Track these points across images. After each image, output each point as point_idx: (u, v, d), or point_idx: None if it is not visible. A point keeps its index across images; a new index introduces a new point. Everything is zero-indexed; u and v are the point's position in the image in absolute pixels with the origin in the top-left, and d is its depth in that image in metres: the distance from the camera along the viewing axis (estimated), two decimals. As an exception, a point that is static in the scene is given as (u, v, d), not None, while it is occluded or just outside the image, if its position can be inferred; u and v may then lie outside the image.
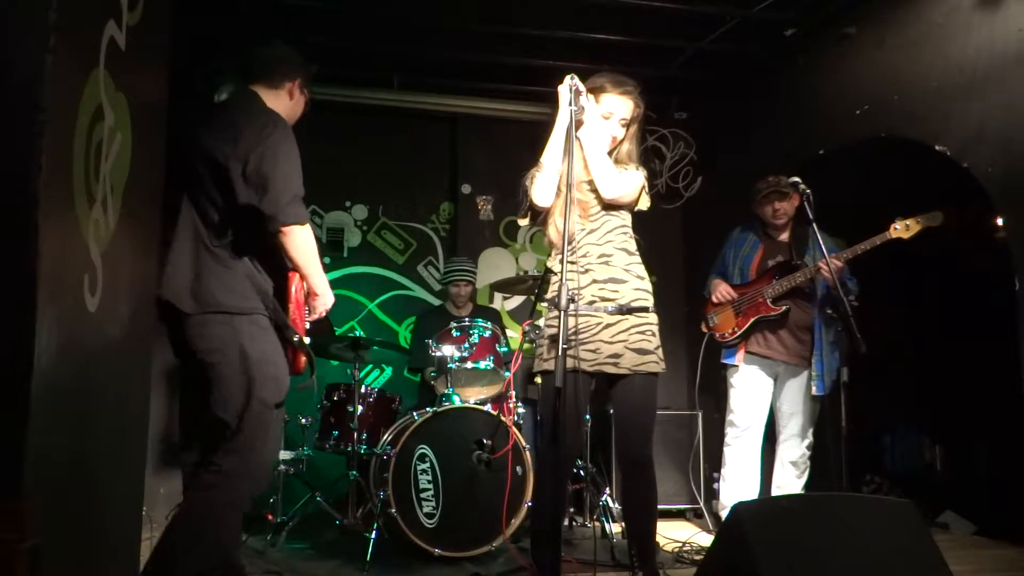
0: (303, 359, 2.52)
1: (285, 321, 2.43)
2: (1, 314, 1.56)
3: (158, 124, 2.53)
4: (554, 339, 2.67)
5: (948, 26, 3.51)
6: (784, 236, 4.00)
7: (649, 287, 2.80)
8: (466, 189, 5.51)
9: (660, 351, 2.77)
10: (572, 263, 2.76)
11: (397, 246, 5.45)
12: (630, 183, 2.77)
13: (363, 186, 5.40)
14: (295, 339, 2.46)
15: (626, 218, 2.82)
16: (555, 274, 2.75)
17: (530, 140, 5.48)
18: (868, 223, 3.69)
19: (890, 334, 4.36)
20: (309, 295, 2.55)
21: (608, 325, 2.70)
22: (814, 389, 3.77)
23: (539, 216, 2.85)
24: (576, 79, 2.61)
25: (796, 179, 3.34)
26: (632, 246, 2.81)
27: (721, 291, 3.98)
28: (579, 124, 2.65)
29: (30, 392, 1.55)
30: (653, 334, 2.74)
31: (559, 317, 2.40)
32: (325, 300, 2.58)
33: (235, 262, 2.36)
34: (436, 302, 5.35)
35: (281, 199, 2.31)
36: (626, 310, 2.71)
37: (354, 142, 5.37)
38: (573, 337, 2.70)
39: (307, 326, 2.61)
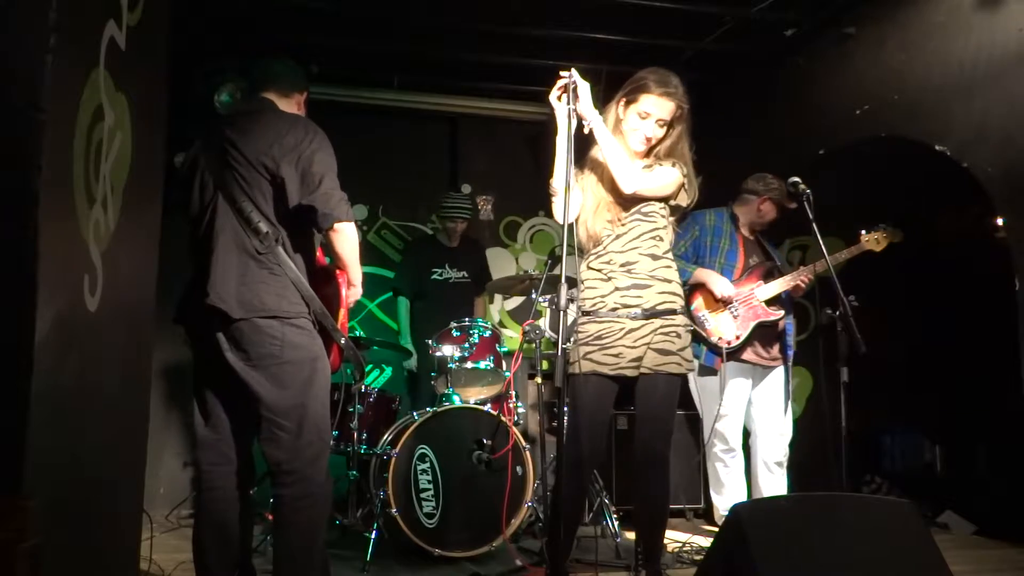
0: (339, 360, 2.61)
1: (333, 324, 2.49)
2: (1, 314, 1.56)
3: (158, 124, 2.53)
4: (581, 343, 2.70)
5: (948, 26, 3.51)
6: (750, 234, 4.01)
7: (677, 289, 2.78)
8: (466, 189, 5.51)
9: (687, 352, 2.75)
10: (595, 270, 2.77)
11: (397, 246, 5.44)
12: (658, 178, 2.74)
13: (363, 186, 5.38)
14: (342, 341, 2.52)
15: (658, 221, 2.78)
16: (582, 282, 2.77)
17: (530, 140, 5.54)
18: (868, 223, 3.69)
19: (890, 334, 4.36)
20: (350, 285, 2.63)
21: (631, 330, 2.70)
22: (792, 392, 3.82)
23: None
24: (572, 75, 2.56)
25: (796, 179, 3.34)
26: (659, 250, 2.76)
27: (726, 287, 3.79)
28: (580, 126, 2.63)
29: (30, 392, 1.55)
30: (679, 336, 2.73)
31: (559, 317, 2.41)
32: (358, 292, 2.66)
33: (281, 268, 2.38)
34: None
35: (332, 198, 2.40)
36: (651, 314, 2.70)
37: (354, 142, 5.34)
38: (596, 342, 2.71)
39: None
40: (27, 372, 1.55)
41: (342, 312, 2.56)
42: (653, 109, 2.75)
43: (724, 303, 3.85)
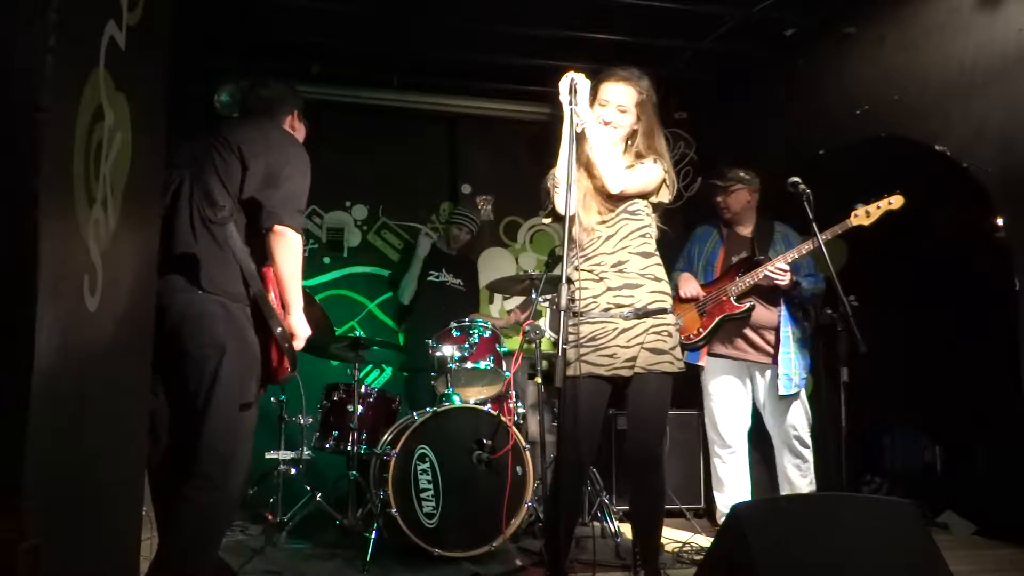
0: (282, 357, 2.45)
1: (271, 311, 2.38)
2: (1, 314, 1.56)
3: (158, 124, 2.52)
4: (574, 345, 2.69)
5: (948, 26, 3.51)
6: (747, 231, 4.00)
7: (667, 288, 2.80)
8: (466, 189, 5.51)
9: (678, 351, 2.77)
10: (587, 271, 2.78)
11: (397, 246, 5.44)
12: (641, 176, 2.77)
13: (363, 186, 5.40)
14: (278, 330, 2.40)
15: (644, 219, 2.81)
16: (571, 282, 2.78)
17: (530, 140, 5.54)
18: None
19: (890, 334, 4.36)
20: (285, 308, 2.47)
21: (624, 330, 2.71)
22: (780, 388, 3.76)
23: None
24: (575, 76, 2.62)
25: (796, 179, 3.35)
26: (650, 247, 2.80)
27: (690, 287, 3.90)
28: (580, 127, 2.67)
29: (30, 392, 1.55)
30: (670, 335, 2.75)
31: (561, 318, 2.41)
32: (296, 319, 2.47)
33: (228, 245, 2.34)
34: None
35: (288, 202, 2.36)
36: (643, 313, 2.71)
37: (354, 142, 5.37)
38: (590, 343, 2.71)
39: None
40: (27, 372, 1.55)
41: (272, 297, 2.43)
42: (611, 95, 2.79)
43: (694, 301, 3.90)
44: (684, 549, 3.62)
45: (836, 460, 3.36)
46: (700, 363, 3.94)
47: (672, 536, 3.87)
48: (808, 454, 3.86)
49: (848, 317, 3.12)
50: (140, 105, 2.23)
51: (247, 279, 2.35)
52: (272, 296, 2.43)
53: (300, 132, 2.74)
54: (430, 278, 4.86)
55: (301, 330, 2.51)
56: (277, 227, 2.34)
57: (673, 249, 4.34)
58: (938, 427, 4.81)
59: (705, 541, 3.76)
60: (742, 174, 3.95)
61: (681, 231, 5.54)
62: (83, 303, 1.86)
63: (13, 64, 1.60)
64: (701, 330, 3.86)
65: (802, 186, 3.32)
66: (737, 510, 2.15)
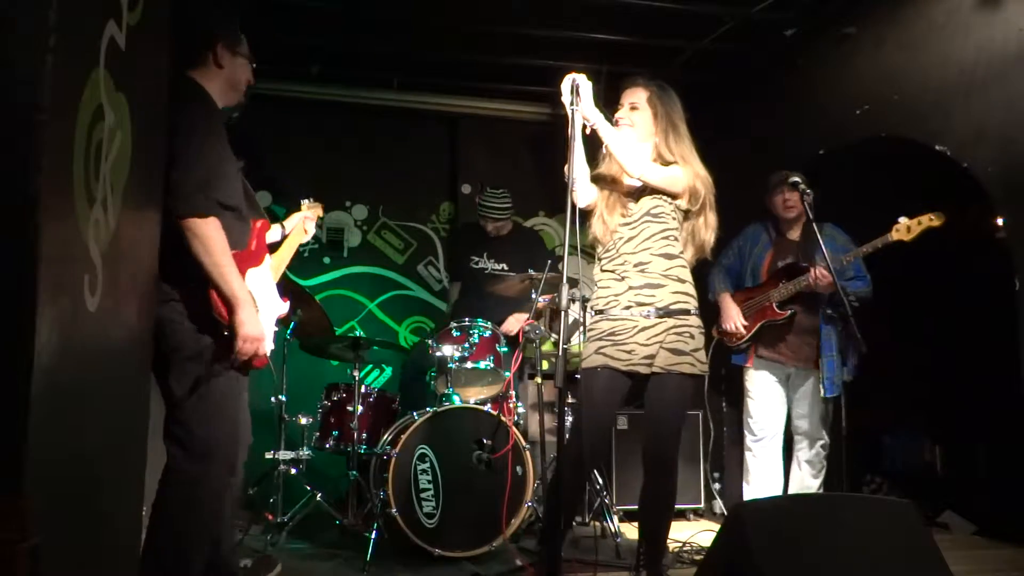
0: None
1: (210, 313, 2.24)
2: (1, 314, 1.56)
3: (158, 124, 2.52)
4: (594, 339, 2.71)
5: (948, 26, 3.51)
6: (795, 234, 3.98)
7: (691, 290, 2.81)
8: (466, 189, 5.51)
9: (700, 354, 2.77)
10: (609, 271, 2.80)
11: (397, 246, 5.45)
12: (665, 172, 2.79)
13: (363, 186, 5.40)
14: (225, 332, 2.27)
15: (669, 222, 2.81)
16: (596, 283, 2.81)
17: (530, 140, 5.54)
18: (868, 223, 3.69)
19: (890, 334, 4.35)
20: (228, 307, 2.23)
21: (644, 328, 2.72)
22: (823, 391, 3.76)
23: (590, 212, 2.91)
24: (576, 77, 2.63)
25: (796, 179, 3.34)
26: (674, 249, 2.80)
27: (735, 323, 3.88)
28: (584, 125, 2.68)
29: (30, 392, 1.55)
30: (692, 336, 2.75)
31: (561, 317, 2.41)
32: (242, 318, 2.18)
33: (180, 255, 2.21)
34: (436, 302, 5.35)
35: (183, 185, 2.09)
36: (664, 313, 2.72)
37: (354, 142, 5.37)
38: (608, 338, 2.72)
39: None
40: (27, 372, 1.55)
41: (212, 298, 2.23)
42: (624, 97, 2.88)
43: (736, 334, 3.93)
44: (684, 549, 3.61)
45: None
46: (747, 364, 3.96)
47: (672, 536, 3.86)
48: (825, 460, 3.86)
49: (848, 317, 3.12)
50: (140, 105, 2.23)
51: (189, 279, 2.24)
52: (216, 299, 2.24)
53: (237, 67, 2.37)
54: (471, 264, 4.72)
55: (247, 329, 2.19)
56: (179, 220, 2.10)
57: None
58: (938, 427, 4.81)
59: (705, 541, 3.76)
60: (796, 180, 3.89)
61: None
62: (83, 303, 1.86)
63: (13, 64, 1.60)
64: (742, 336, 3.89)
65: (802, 185, 3.32)
66: (737, 510, 2.15)
